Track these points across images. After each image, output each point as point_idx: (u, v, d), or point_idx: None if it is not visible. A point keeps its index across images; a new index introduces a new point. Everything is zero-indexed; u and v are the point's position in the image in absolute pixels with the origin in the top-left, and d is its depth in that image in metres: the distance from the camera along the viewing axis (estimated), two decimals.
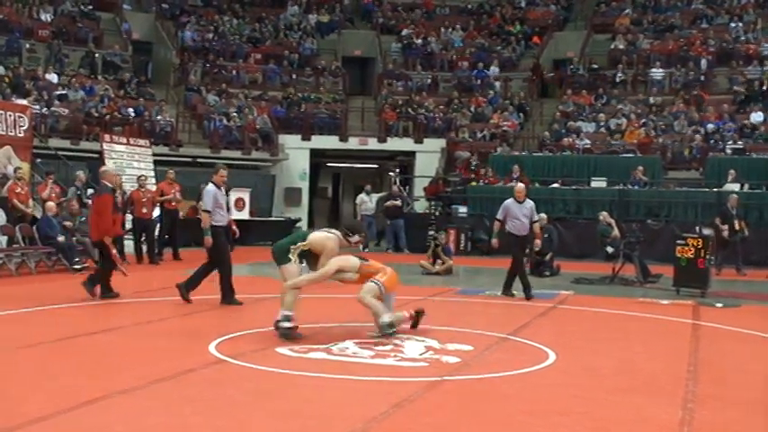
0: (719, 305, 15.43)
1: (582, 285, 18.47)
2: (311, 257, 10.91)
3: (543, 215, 21.45)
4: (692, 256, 17.00)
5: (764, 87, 33.38)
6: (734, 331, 12.65)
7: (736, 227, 21.96)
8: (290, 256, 10.74)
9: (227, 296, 13.73)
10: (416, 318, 11.40)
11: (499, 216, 16.33)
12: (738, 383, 8.98)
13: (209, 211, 13.74)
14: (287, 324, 10.47)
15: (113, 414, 7.12)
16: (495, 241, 16.47)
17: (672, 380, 8.91)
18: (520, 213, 16.03)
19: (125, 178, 23.05)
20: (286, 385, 8.31)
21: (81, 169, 22.79)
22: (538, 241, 16.79)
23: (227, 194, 14.84)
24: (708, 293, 16.76)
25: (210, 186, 14.01)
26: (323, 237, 11.02)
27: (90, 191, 21.34)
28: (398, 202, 27.95)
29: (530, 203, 16.22)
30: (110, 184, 14.29)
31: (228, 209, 14.69)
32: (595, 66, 38.01)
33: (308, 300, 15.23)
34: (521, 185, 17.04)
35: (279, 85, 37.95)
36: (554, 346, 10.51)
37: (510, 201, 16.23)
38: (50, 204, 19.15)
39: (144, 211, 21.00)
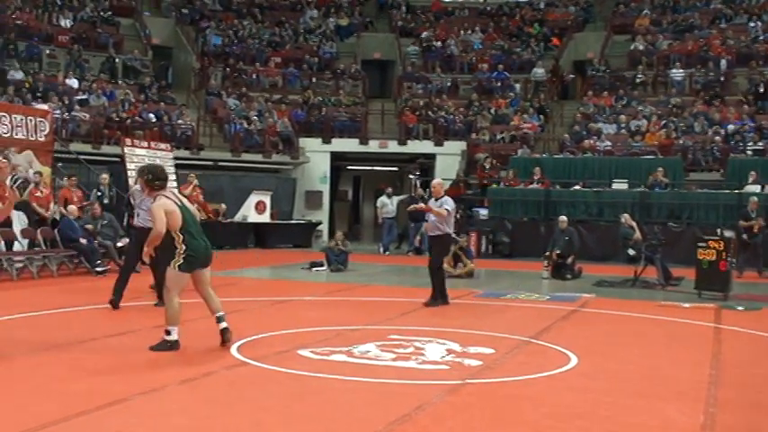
0: (741, 308, 15.38)
1: (603, 288, 18.40)
2: None
3: (564, 217, 21.47)
4: (713, 258, 16.90)
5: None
6: (755, 335, 12.58)
7: (755, 229, 21.87)
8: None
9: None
10: None
11: None
12: (760, 387, 8.94)
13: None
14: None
15: (134, 416, 7.15)
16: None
17: (693, 384, 8.88)
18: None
19: None
20: (307, 388, 8.31)
21: (104, 172, 22.91)
22: (430, 222, 14.98)
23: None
24: (729, 296, 16.70)
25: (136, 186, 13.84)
26: None
27: (113, 194, 21.50)
28: (422, 206, 27.92)
29: (442, 200, 14.82)
30: None
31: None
32: (614, 67, 37.93)
33: (330, 302, 15.29)
34: (436, 180, 15.60)
35: (299, 88, 38.01)
36: (576, 349, 10.49)
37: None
38: (72, 207, 19.26)
39: None
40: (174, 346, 9.82)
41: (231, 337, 10.03)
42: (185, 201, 10.21)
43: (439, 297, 14.76)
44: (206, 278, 10.08)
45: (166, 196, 9.93)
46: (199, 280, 10.05)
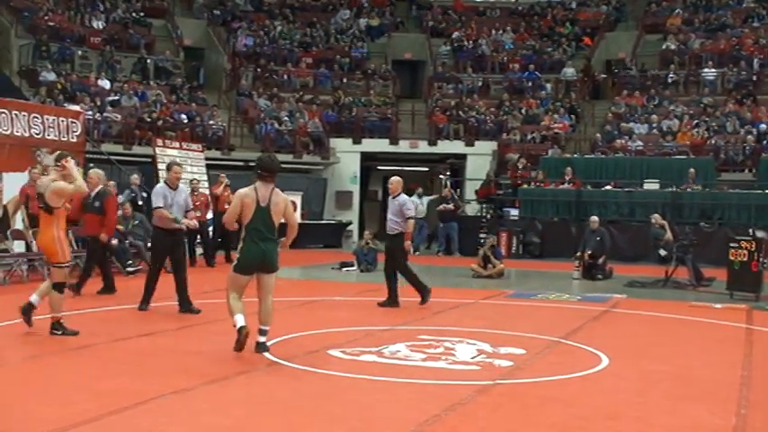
0: None
1: (635, 289, 18.32)
2: None
3: (595, 218, 21.38)
4: (745, 259, 16.80)
5: None
6: None
7: None
8: None
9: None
10: None
11: None
12: None
13: (160, 207, 13.12)
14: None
15: (166, 415, 7.20)
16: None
17: (725, 385, 8.83)
18: (390, 210, 14.58)
19: None
20: (338, 388, 8.34)
21: (135, 172, 23.03)
22: (407, 243, 14.51)
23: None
24: (761, 297, 16.58)
25: (159, 185, 13.85)
26: None
27: (144, 194, 21.57)
28: (451, 206, 27.89)
29: (400, 199, 14.36)
30: None
31: (189, 209, 13.70)
32: (646, 65, 37.73)
33: (360, 302, 15.31)
34: (394, 177, 14.92)
35: (329, 88, 38.04)
36: (607, 350, 10.46)
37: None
38: None
39: (197, 214, 21.20)
40: (240, 332, 9.60)
41: (261, 353, 9.70)
42: (276, 203, 9.98)
43: (394, 298, 14.38)
44: (264, 284, 9.93)
45: (255, 188, 9.86)
46: (258, 284, 9.93)
